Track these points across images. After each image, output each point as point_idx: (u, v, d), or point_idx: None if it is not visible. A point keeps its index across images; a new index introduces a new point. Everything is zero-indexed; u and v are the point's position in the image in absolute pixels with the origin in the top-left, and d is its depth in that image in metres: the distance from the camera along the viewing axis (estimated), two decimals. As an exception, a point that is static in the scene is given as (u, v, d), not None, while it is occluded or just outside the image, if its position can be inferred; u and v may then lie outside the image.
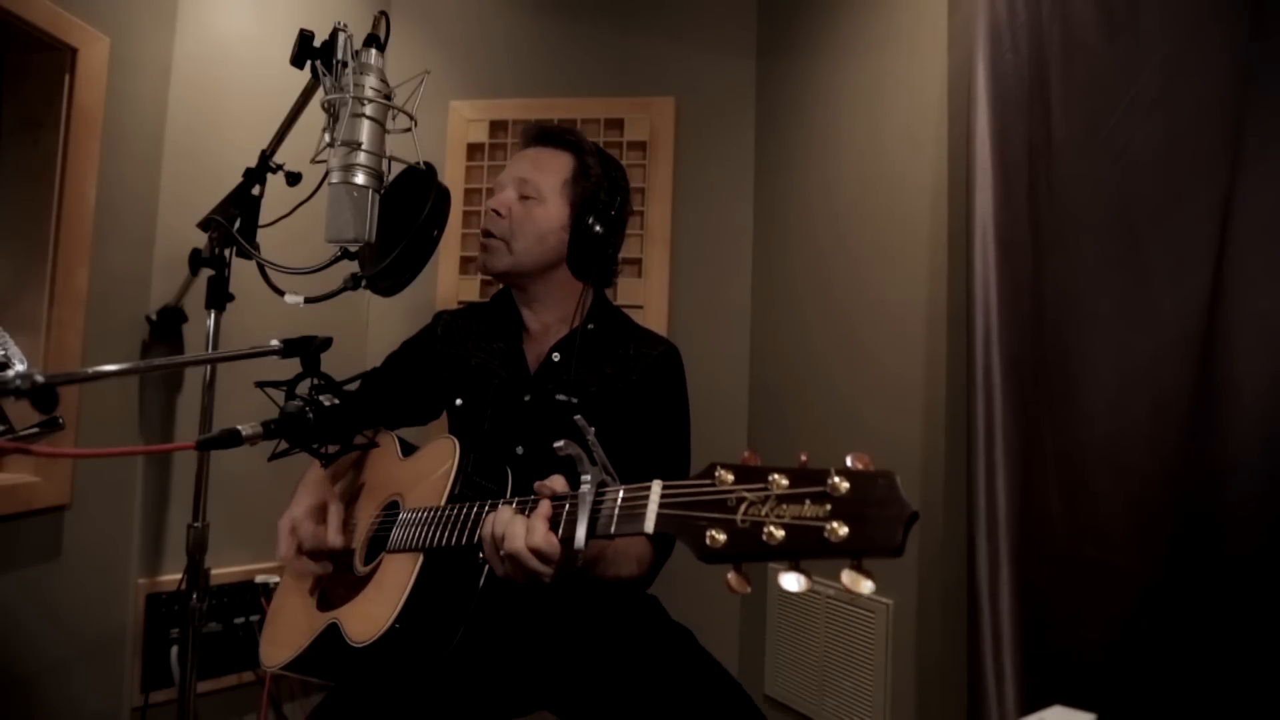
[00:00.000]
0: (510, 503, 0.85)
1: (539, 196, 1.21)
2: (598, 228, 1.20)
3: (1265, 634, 0.89)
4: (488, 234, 1.22)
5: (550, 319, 1.25)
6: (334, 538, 1.08)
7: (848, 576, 0.54)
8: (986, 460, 1.18)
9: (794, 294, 1.78)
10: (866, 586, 0.54)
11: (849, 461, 0.57)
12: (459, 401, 1.23)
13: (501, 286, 1.32)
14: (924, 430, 1.43)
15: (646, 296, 1.90)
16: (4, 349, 0.69)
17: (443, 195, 1.15)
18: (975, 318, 1.21)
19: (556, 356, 1.20)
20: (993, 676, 1.14)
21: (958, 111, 1.36)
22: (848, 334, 1.62)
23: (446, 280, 1.97)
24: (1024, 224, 1.19)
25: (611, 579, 1.00)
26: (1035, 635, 1.13)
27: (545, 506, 0.80)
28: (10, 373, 0.67)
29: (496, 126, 1.96)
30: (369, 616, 0.93)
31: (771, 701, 1.74)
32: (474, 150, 1.97)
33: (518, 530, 0.79)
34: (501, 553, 0.81)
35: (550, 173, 1.22)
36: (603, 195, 1.22)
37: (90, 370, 0.80)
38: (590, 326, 1.21)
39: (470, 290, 1.94)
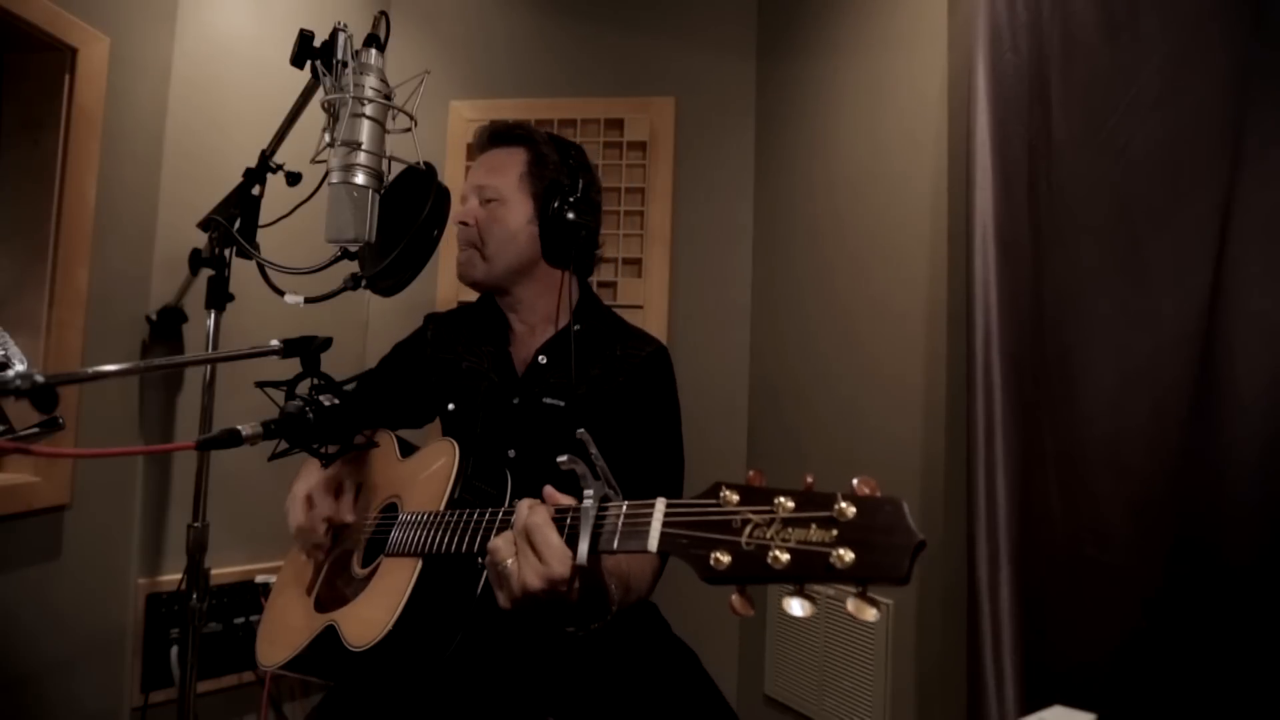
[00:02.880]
0: (507, 522, 0.82)
1: (500, 198, 1.20)
2: (568, 213, 1.18)
3: (1265, 634, 0.89)
4: (461, 245, 1.22)
5: (535, 320, 1.24)
6: (346, 513, 1.08)
7: (853, 604, 0.54)
8: (986, 460, 1.18)
9: (794, 294, 1.78)
10: (871, 614, 0.53)
11: (855, 485, 0.56)
12: (451, 406, 1.23)
13: None
14: (924, 430, 1.43)
15: (646, 296, 1.89)
16: (4, 349, 0.69)
17: (443, 195, 1.15)
18: (975, 318, 1.21)
19: (543, 359, 1.20)
20: (993, 676, 1.14)
21: (958, 111, 1.36)
22: (848, 334, 1.62)
23: (446, 280, 1.97)
24: (1024, 224, 1.19)
25: (634, 603, 0.99)
26: (1035, 635, 1.13)
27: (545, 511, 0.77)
28: (10, 373, 0.67)
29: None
30: (367, 620, 0.93)
31: (771, 702, 1.74)
32: (474, 150, 1.96)
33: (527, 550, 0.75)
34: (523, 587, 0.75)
35: (505, 171, 1.21)
36: (564, 179, 1.20)
37: (90, 370, 0.80)
38: (577, 327, 1.20)
39: (470, 290, 1.94)
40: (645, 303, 1.89)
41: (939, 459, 1.39)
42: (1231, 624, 0.92)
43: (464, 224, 1.21)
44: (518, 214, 1.19)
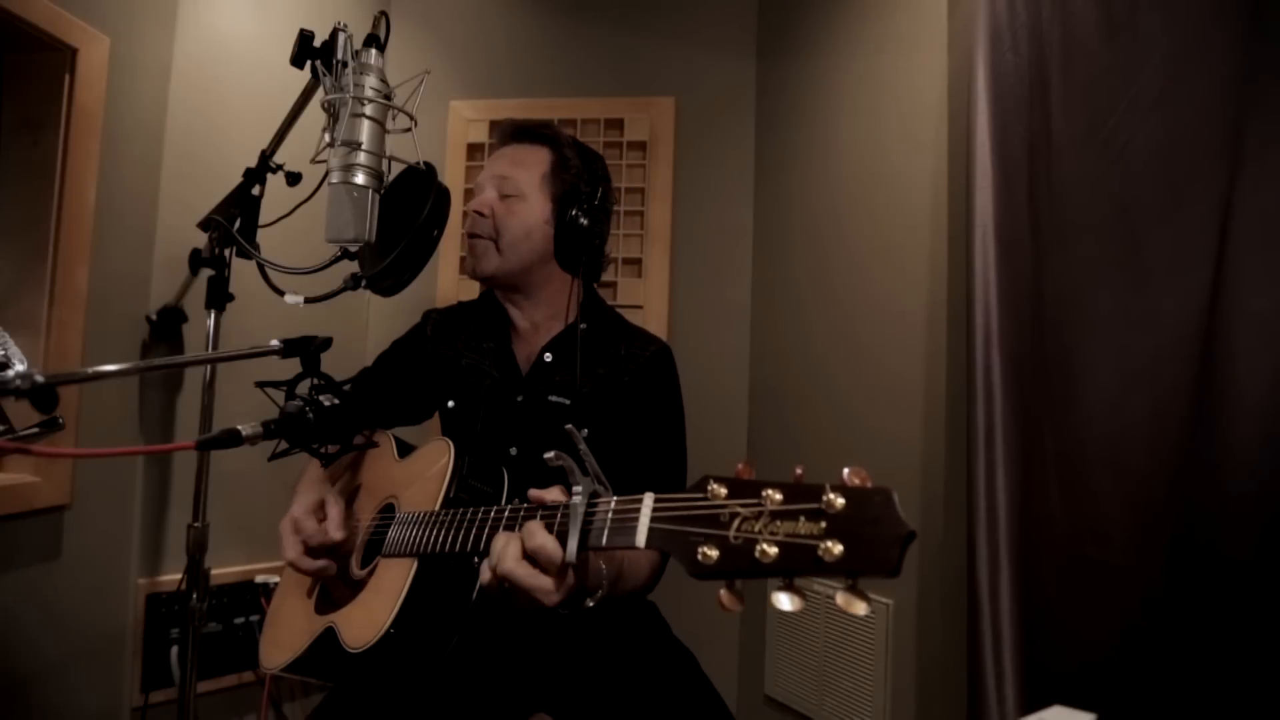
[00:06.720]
0: (499, 520, 0.82)
1: (519, 193, 1.20)
2: (582, 219, 1.19)
3: (1265, 634, 0.89)
4: (473, 236, 1.21)
5: (540, 317, 1.24)
6: (335, 532, 1.05)
7: (842, 598, 0.53)
8: (986, 460, 1.18)
9: (794, 294, 1.78)
10: (861, 609, 0.52)
11: (845, 475, 0.55)
12: (451, 403, 1.23)
13: None
14: (924, 430, 1.43)
15: (646, 296, 1.90)
16: (4, 349, 0.69)
17: (443, 195, 1.15)
18: (975, 318, 1.21)
19: (549, 357, 1.20)
20: (993, 676, 1.14)
21: (958, 111, 1.36)
22: (848, 334, 1.62)
23: (446, 280, 1.97)
24: (1024, 224, 1.19)
25: (631, 591, 0.98)
26: (1035, 635, 1.13)
27: (534, 523, 0.75)
28: (10, 373, 0.67)
29: (496, 126, 1.95)
30: (364, 621, 0.93)
31: (771, 702, 1.74)
32: (474, 150, 1.97)
33: (511, 549, 0.74)
34: (500, 570, 0.75)
35: (529, 168, 1.21)
36: (584, 187, 1.21)
37: (90, 370, 0.80)
38: (583, 326, 1.20)
39: (470, 290, 1.94)
40: (645, 303, 1.89)
41: (939, 459, 1.39)
42: (1231, 624, 0.92)
43: (480, 214, 1.20)
44: (536, 212, 1.20)
